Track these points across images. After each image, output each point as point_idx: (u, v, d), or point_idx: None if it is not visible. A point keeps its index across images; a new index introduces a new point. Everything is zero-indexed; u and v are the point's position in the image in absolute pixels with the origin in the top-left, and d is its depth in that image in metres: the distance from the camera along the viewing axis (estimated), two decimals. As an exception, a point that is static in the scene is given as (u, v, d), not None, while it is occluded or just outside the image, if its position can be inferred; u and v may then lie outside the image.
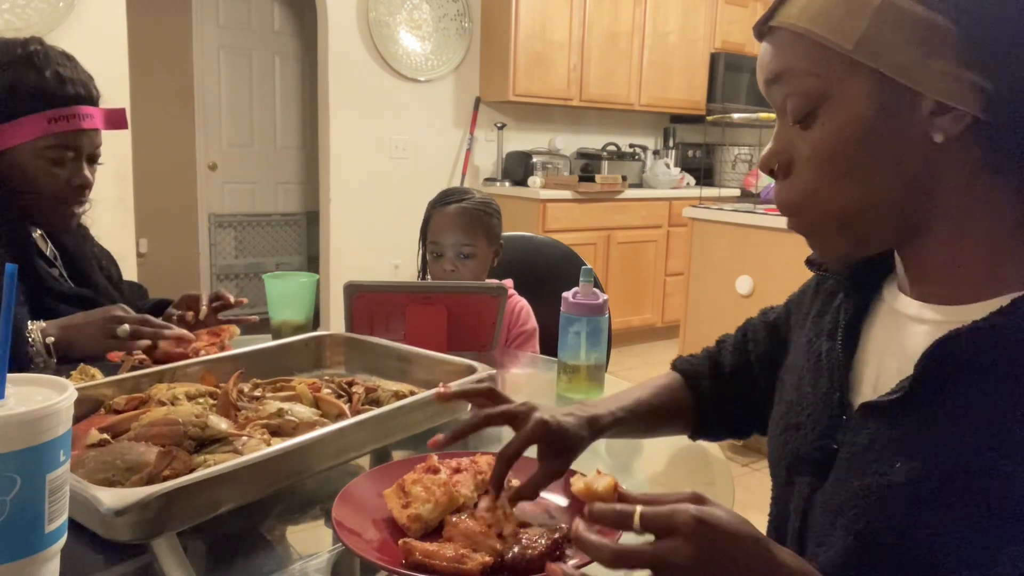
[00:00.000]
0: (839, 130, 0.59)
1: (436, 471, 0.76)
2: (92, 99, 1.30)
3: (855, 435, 0.62)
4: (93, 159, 1.33)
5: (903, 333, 0.64)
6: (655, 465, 1.04)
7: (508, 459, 0.72)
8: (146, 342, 1.20)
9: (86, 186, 1.31)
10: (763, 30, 0.63)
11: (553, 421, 0.74)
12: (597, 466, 1.02)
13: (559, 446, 0.75)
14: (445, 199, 1.66)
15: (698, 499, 0.53)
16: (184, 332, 1.24)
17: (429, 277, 1.68)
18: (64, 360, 1.16)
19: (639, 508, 0.52)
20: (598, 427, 0.79)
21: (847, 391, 0.67)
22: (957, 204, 0.58)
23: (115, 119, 1.33)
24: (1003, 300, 0.56)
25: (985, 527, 0.53)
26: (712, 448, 1.02)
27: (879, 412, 0.61)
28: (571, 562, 0.64)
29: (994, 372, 0.55)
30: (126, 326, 1.18)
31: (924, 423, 0.58)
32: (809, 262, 0.76)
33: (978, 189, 0.58)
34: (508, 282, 1.65)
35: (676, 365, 0.94)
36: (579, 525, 0.54)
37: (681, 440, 0.97)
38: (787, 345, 0.82)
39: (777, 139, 0.64)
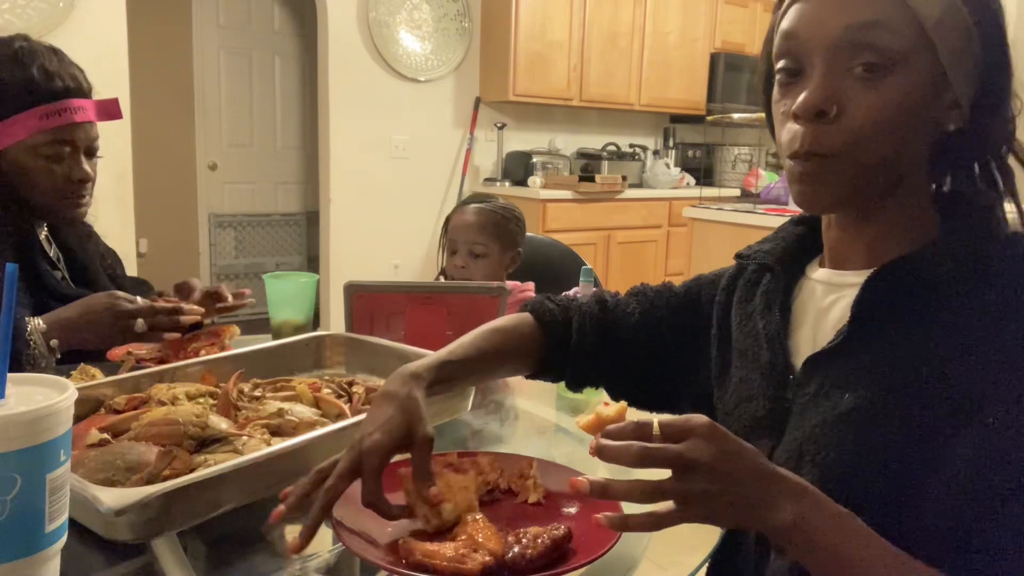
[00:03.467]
0: (907, 92, 0.63)
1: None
2: (83, 91, 1.29)
3: (804, 388, 0.69)
4: (91, 152, 1.32)
5: (830, 298, 0.72)
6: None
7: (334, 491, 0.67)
8: (174, 335, 1.21)
9: (86, 180, 1.31)
10: None
11: (366, 444, 0.69)
12: (599, 467, 1.02)
13: (401, 440, 0.70)
14: (468, 200, 1.76)
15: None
16: (195, 307, 1.25)
17: (443, 277, 1.74)
18: (70, 356, 1.16)
19: (657, 418, 0.58)
20: (429, 389, 0.77)
21: (788, 357, 0.73)
22: (915, 179, 0.67)
23: (108, 110, 1.32)
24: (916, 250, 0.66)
25: (925, 437, 0.60)
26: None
27: (822, 362, 0.68)
28: (572, 562, 0.64)
29: (915, 302, 0.64)
30: (141, 321, 1.18)
31: (863, 358, 0.65)
32: (739, 255, 0.83)
33: (931, 172, 0.68)
34: (529, 285, 1.67)
35: (534, 310, 0.92)
36: (599, 439, 0.57)
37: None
38: (701, 318, 0.87)
39: (826, 83, 0.64)
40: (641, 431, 0.57)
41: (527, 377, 0.95)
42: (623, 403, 0.64)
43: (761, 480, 0.56)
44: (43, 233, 1.37)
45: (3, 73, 1.23)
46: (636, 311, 0.91)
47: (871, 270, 0.67)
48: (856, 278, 0.69)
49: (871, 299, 0.66)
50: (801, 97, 0.65)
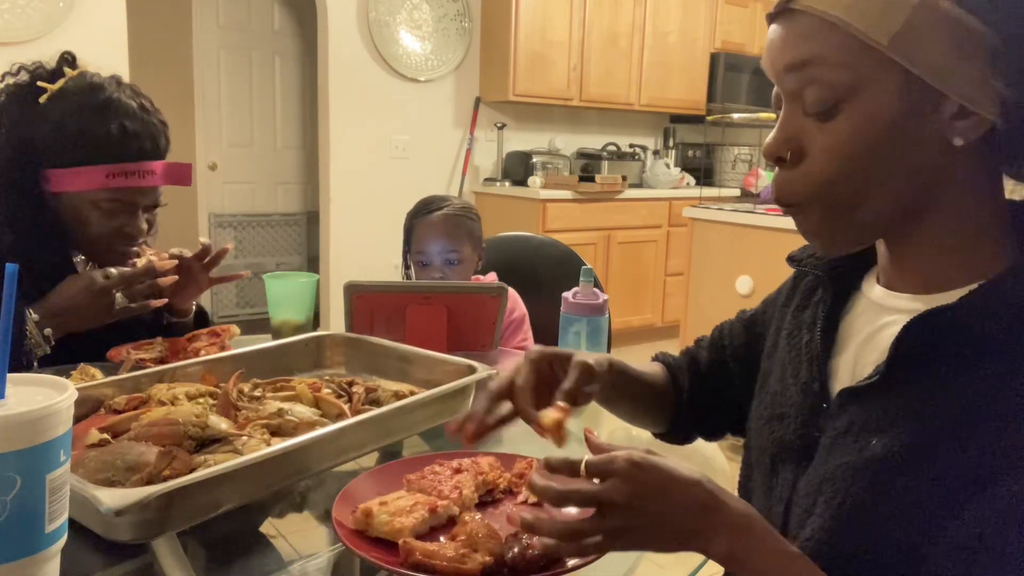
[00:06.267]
0: (863, 125, 0.57)
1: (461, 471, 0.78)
2: (158, 152, 1.27)
3: (835, 420, 0.65)
4: (151, 208, 1.31)
5: (880, 322, 0.65)
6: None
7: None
8: (160, 302, 1.22)
9: (138, 236, 1.29)
10: (783, 11, 0.60)
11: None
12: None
13: (562, 358, 0.78)
14: (426, 208, 1.66)
15: (646, 452, 0.59)
16: (167, 262, 1.26)
17: None
18: (70, 356, 1.16)
19: (586, 457, 0.59)
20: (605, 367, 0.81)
21: (827, 380, 0.68)
22: (952, 200, 0.60)
23: (177, 175, 1.29)
24: (972, 287, 0.59)
25: (948, 495, 0.55)
26: (711, 449, 1.02)
27: (857, 397, 0.63)
28: (572, 561, 0.64)
29: (960, 351, 0.58)
30: (120, 296, 1.19)
31: (898, 402, 0.60)
32: (790, 259, 0.77)
33: (973, 188, 0.60)
34: (491, 276, 1.67)
35: (658, 358, 0.96)
36: (533, 475, 0.61)
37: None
38: (763, 339, 0.83)
39: (785, 126, 0.62)
40: (571, 467, 0.59)
41: (660, 435, 0.94)
42: (559, 415, 0.69)
43: (692, 513, 0.56)
44: (80, 257, 1.36)
45: (82, 123, 1.21)
46: (706, 340, 0.93)
47: (925, 297, 0.62)
48: (909, 303, 0.63)
49: (910, 344, 0.59)
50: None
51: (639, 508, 0.56)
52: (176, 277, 1.28)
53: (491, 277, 1.67)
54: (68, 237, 1.27)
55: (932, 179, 0.59)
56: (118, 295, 1.19)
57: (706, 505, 0.57)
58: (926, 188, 0.59)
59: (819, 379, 0.68)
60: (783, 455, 0.70)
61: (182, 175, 1.30)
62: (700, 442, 1.00)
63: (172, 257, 1.33)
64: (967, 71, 0.54)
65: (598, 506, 0.57)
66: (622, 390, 0.86)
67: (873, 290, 0.68)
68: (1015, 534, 0.52)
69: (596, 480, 0.58)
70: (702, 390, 0.90)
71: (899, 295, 0.64)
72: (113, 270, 1.21)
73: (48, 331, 1.15)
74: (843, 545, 0.60)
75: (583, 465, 0.58)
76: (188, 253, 1.36)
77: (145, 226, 1.30)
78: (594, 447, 0.62)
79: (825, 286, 0.72)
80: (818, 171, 0.60)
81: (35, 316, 1.15)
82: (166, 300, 1.28)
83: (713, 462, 1.00)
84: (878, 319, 0.66)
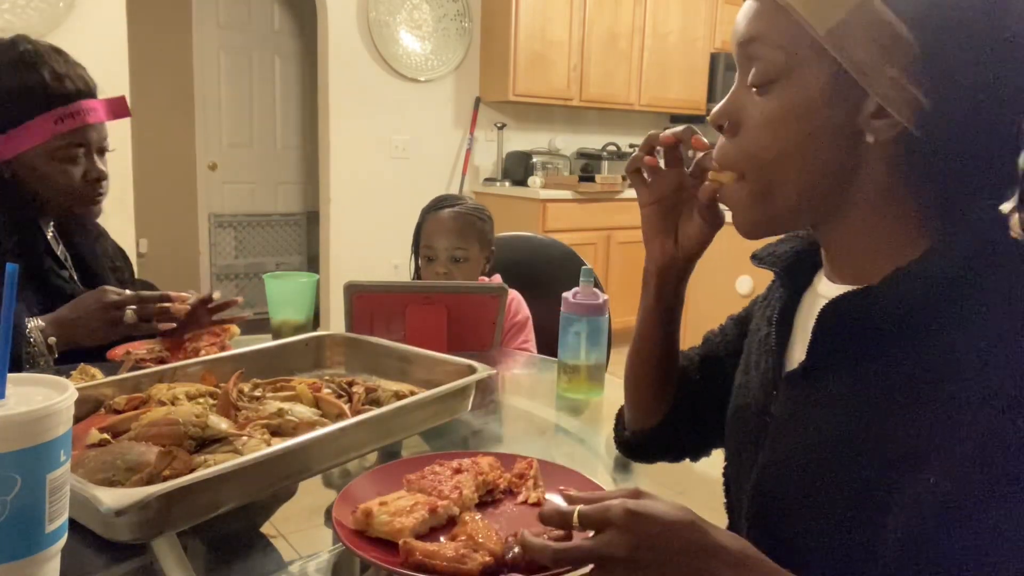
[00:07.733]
0: (789, 106, 0.61)
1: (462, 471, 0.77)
2: (92, 91, 1.30)
3: (782, 407, 0.67)
4: (103, 150, 1.34)
5: (817, 310, 0.67)
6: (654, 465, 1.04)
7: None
8: (168, 325, 1.22)
9: (102, 178, 1.32)
10: None
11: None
12: (598, 467, 1.02)
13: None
14: (439, 204, 1.69)
15: (636, 494, 0.57)
16: (183, 294, 1.27)
17: None
18: (70, 356, 1.16)
19: (578, 508, 0.57)
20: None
21: (781, 371, 0.70)
22: (870, 196, 0.62)
23: (117, 108, 1.33)
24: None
25: (878, 482, 0.56)
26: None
27: (795, 382, 0.66)
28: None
29: (880, 334, 0.60)
30: (130, 312, 1.19)
31: (830, 389, 0.63)
32: (753, 257, 0.79)
33: (890, 186, 0.61)
34: (496, 278, 1.66)
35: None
36: (524, 532, 0.59)
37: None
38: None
39: (731, 98, 0.66)
40: (563, 520, 0.57)
41: (637, 435, 0.92)
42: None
43: (694, 556, 0.55)
44: (50, 232, 1.37)
45: (13, 78, 1.22)
46: (698, 351, 0.92)
47: (855, 287, 0.63)
48: (839, 292, 0.64)
49: (830, 328, 0.62)
50: None
51: (640, 560, 0.54)
52: (188, 308, 1.29)
53: (496, 279, 1.67)
54: (36, 205, 1.29)
55: (849, 171, 0.61)
56: (128, 311, 1.20)
57: (703, 546, 0.55)
58: (843, 179, 0.62)
59: (774, 369, 0.71)
60: (745, 444, 0.72)
61: (121, 108, 1.34)
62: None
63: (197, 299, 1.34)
64: (890, 74, 0.57)
65: (598, 561, 0.55)
66: (672, 304, 0.93)
67: (820, 283, 0.71)
68: (948, 523, 0.52)
69: (591, 532, 0.57)
70: (696, 382, 0.91)
71: (837, 286, 0.67)
72: (128, 291, 1.22)
73: (52, 340, 1.15)
74: (788, 536, 0.60)
75: (575, 516, 0.57)
76: (196, 295, 1.38)
77: (104, 168, 1.33)
78: (573, 502, 0.59)
79: (784, 283, 0.75)
80: (748, 142, 0.64)
81: (41, 323, 1.16)
82: (175, 325, 1.28)
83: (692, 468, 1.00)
84: (817, 307, 0.68)
